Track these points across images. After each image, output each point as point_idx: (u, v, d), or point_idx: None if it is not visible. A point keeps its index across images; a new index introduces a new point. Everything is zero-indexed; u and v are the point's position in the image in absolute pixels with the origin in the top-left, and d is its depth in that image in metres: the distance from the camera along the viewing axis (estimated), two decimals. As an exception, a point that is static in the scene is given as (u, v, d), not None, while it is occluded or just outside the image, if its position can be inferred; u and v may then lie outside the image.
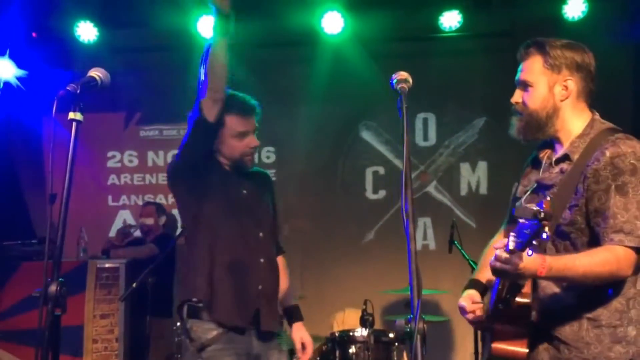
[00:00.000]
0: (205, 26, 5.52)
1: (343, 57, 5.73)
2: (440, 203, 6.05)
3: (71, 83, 1.74)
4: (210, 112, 2.69)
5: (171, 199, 5.63)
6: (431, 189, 6.08)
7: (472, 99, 5.99)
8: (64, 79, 5.56)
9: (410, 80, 1.92)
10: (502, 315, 2.05)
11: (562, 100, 2.19)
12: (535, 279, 1.99)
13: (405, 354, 4.19)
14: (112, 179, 6.19)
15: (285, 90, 6.06)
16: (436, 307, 5.45)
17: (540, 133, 2.22)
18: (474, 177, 5.98)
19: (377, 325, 4.40)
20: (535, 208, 1.69)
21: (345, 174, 6.19)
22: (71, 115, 1.69)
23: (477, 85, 5.93)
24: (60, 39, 5.78)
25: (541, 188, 2.21)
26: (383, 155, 6.14)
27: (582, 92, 2.22)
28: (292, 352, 3.11)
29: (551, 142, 2.27)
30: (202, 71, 2.70)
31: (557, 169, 2.18)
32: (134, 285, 4.24)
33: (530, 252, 1.77)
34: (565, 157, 2.17)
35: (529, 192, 2.25)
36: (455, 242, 4.67)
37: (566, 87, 2.19)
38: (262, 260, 2.84)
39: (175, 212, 5.55)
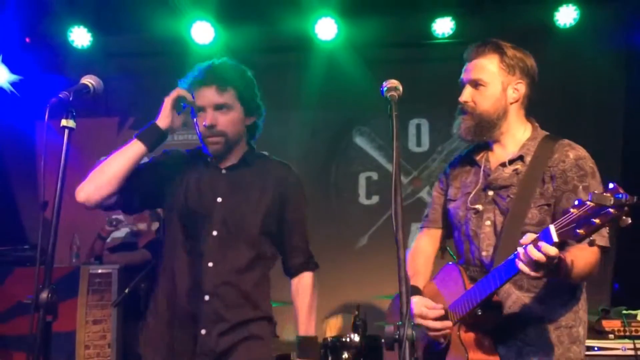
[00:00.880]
0: (199, 32, 5.54)
1: (337, 63, 5.76)
2: (433, 209, 6.07)
3: (64, 90, 1.75)
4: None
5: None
6: (424, 194, 6.10)
7: (465, 105, 6.01)
8: (57, 84, 5.59)
9: (401, 88, 1.92)
10: (476, 321, 2.05)
11: (511, 103, 2.20)
12: (546, 277, 1.93)
13: (397, 360, 4.20)
14: (106, 184, 6.19)
15: (279, 95, 6.06)
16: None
17: (487, 134, 2.21)
18: (467, 182, 6.01)
19: (370, 331, 4.41)
20: (616, 194, 1.58)
21: (338, 179, 6.21)
22: (63, 122, 1.70)
23: (470, 91, 5.95)
24: (54, 44, 5.78)
25: (492, 188, 2.20)
26: (376, 160, 6.16)
27: (526, 98, 2.23)
28: (283, 358, 3.08)
29: (487, 145, 2.27)
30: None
31: (509, 170, 2.18)
32: (127, 291, 4.24)
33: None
34: (519, 158, 2.18)
35: (473, 192, 2.23)
36: (447, 248, 4.68)
37: (517, 90, 2.20)
38: (206, 298, 2.30)
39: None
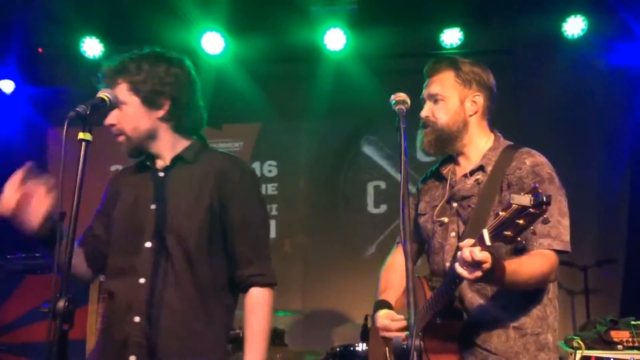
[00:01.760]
0: (209, 42, 5.60)
1: (345, 73, 5.80)
2: (441, 218, 6.09)
3: (81, 104, 1.79)
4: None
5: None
6: (432, 203, 6.12)
7: (473, 115, 6.03)
8: (69, 94, 5.66)
9: (409, 101, 1.96)
10: (437, 330, 2.06)
11: (470, 115, 2.26)
12: (487, 283, 1.99)
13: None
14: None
15: (288, 105, 6.13)
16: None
17: (449, 147, 2.28)
18: (475, 192, 6.02)
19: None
20: (534, 194, 1.62)
21: (346, 189, 6.23)
22: (80, 135, 1.73)
23: (478, 101, 5.97)
24: (66, 54, 5.85)
25: (455, 199, 2.25)
26: (384, 169, 6.18)
27: (486, 109, 2.29)
28: None
29: (453, 158, 2.33)
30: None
31: (471, 180, 2.23)
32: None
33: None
34: (480, 169, 2.23)
35: (439, 205, 2.28)
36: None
37: (475, 102, 2.27)
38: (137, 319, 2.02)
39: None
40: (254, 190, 2.18)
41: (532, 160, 2.15)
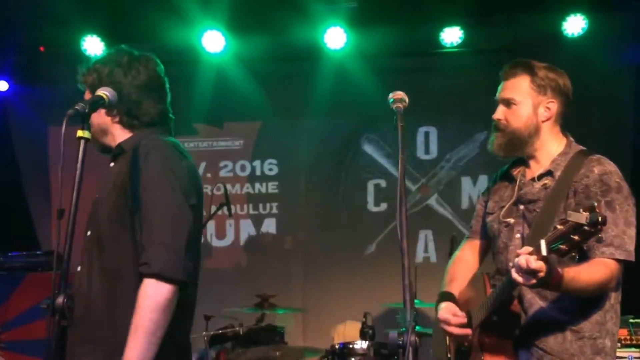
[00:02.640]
0: (209, 41, 5.61)
1: (345, 72, 5.80)
2: (441, 216, 6.09)
3: (80, 102, 1.80)
4: None
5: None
6: (432, 202, 6.12)
7: (473, 114, 6.03)
8: (69, 93, 5.67)
9: (407, 100, 1.98)
10: (493, 327, 2.10)
11: (543, 122, 2.27)
12: (543, 289, 2.03)
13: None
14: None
15: (288, 104, 6.13)
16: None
17: (520, 150, 2.31)
18: (475, 190, 6.02)
19: (378, 338, 4.43)
20: (591, 212, 1.66)
21: (347, 187, 6.24)
22: (79, 133, 1.75)
23: (478, 99, 5.95)
24: (67, 53, 5.86)
25: (522, 202, 2.28)
26: (385, 168, 6.19)
27: (560, 115, 2.31)
28: None
29: (524, 160, 2.34)
30: None
31: (539, 185, 2.25)
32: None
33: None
34: (548, 173, 2.24)
35: (507, 206, 2.31)
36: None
37: (549, 109, 2.28)
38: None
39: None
40: (156, 169, 2.00)
41: (601, 169, 2.16)
